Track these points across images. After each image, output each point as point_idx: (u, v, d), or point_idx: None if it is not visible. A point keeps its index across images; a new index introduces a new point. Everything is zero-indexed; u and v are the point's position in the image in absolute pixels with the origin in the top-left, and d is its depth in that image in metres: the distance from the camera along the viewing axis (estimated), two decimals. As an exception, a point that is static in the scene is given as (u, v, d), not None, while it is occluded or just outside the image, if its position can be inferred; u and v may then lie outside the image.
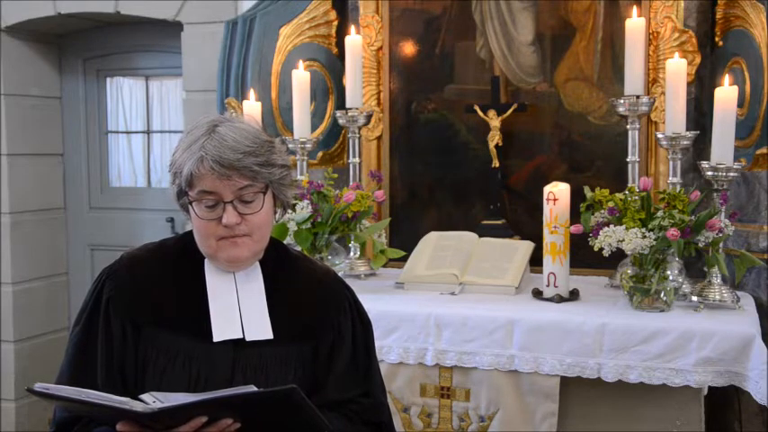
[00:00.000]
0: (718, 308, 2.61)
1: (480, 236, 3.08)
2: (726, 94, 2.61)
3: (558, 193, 2.70)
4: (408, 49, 3.40)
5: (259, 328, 1.62)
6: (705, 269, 2.65)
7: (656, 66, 3.07)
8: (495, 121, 3.17)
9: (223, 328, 1.61)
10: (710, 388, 2.50)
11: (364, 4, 3.42)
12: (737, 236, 2.84)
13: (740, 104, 2.80)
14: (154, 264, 1.67)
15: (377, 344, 1.87)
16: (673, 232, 2.43)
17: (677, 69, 2.71)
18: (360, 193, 2.95)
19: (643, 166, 3.02)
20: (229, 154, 1.52)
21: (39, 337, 4.38)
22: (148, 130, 4.50)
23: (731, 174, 2.60)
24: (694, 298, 2.64)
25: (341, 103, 3.42)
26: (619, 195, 2.57)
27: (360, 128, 3.27)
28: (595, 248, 2.54)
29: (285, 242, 2.28)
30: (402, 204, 3.43)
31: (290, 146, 3.14)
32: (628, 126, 2.88)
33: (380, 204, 3.28)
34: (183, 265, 1.66)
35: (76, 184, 4.55)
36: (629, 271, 2.63)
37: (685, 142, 2.72)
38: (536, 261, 2.89)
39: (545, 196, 2.72)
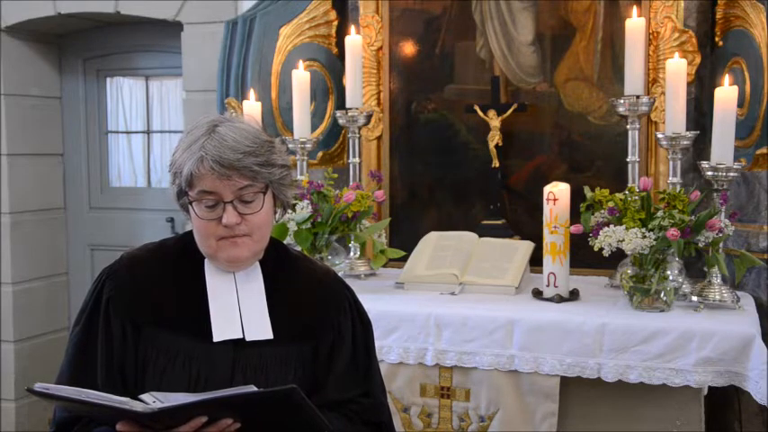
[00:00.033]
0: (718, 308, 2.61)
1: (480, 236, 3.08)
2: (726, 94, 2.61)
3: (558, 193, 2.70)
4: (408, 49, 3.40)
5: (259, 328, 1.62)
6: (705, 269, 2.65)
7: (656, 66, 3.07)
8: (495, 121, 3.17)
9: (223, 328, 1.61)
10: (710, 388, 2.50)
11: (364, 4, 3.42)
12: (737, 236, 2.84)
13: (740, 104, 2.80)
14: (154, 264, 1.67)
15: (377, 344, 1.87)
16: (673, 232, 2.43)
17: (677, 69, 2.71)
18: (360, 193, 2.95)
19: (643, 166, 3.02)
20: (229, 154, 1.52)
21: (39, 337, 4.38)
22: (148, 130, 4.50)
23: (731, 174, 2.60)
24: (694, 298, 2.64)
25: (341, 103, 3.42)
26: (619, 195, 2.57)
27: (360, 128, 3.27)
28: (595, 248, 2.54)
29: (285, 242, 2.28)
30: (402, 204, 3.43)
31: (290, 146, 3.14)
32: (628, 126, 2.88)
33: (380, 204, 3.28)
34: (183, 265, 1.66)
35: (76, 184, 4.55)
36: (629, 271, 2.63)
37: (685, 142, 2.72)
38: (536, 261, 2.89)
39: (545, 196, 2.72)
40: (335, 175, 3.07)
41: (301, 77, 3.16)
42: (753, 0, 2.88)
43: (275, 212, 1.67)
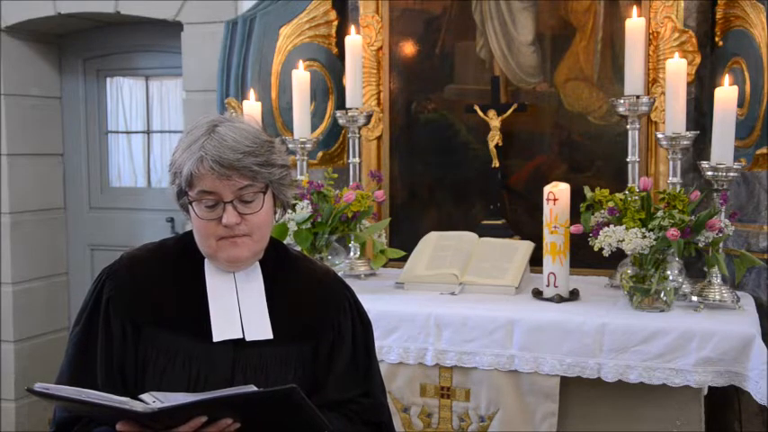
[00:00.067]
0: (718, 308, 2.61)
1: (480, 236, 3.08)
2: (726, 94, 2.61)
3: (558, 193, 2.70)
4: (408, 49, 3.40)
5: (259, 328, 1.62)
6: (705, 269, 2.65)
7: (656, 66, 3.07)
8: (495, 121, 3.17)
9: (223, 328, 1.61)
10: (710, 388, 2.50)
11: (364, 4, 3.42)
12: (737, 236, 2.84)
13: (740, 104, 2.80)
14: (154, 264, 1.67)
15: (377, 344, 1.87)
16: (673, 232, 2.43)
17: (677, 69, 2.71)
18: (360, 193, 2.95)
19: (643, 166, 3.02)
20: (229, 154, 1.52)
21: (39, 337, 4.38)
22: (148, 130, 4.50)
23: (731, 174, 2.60)
24: (694, 298, 2.64)
25: (341, 103, 3.42)
26: (619, 195, 2.57)
27: (360, 128, 3.27)
28: (595, 248, 2.54)
29: (285, 242, 2.28)
30: (402, 204, 3.43)
31: (290, 146, 3.14)
32: (628, 126, 2.88)
33: (380, 204, 3.28)
34: (183, 265, 1.66)
35: (76, 184, 4.55)
36: (629, 271, 2.63)
37: (685, 142, 2.72)
38: (536, 261, 2.89)
39: (545, 196, 2.72)
40: (335, 175, 3.07)
41: (301, 77, 3.16)
42: (753, 0, 2.88)
43: (275, 212, 1.67)
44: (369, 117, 3.27)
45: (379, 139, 3.45)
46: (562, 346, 2.49)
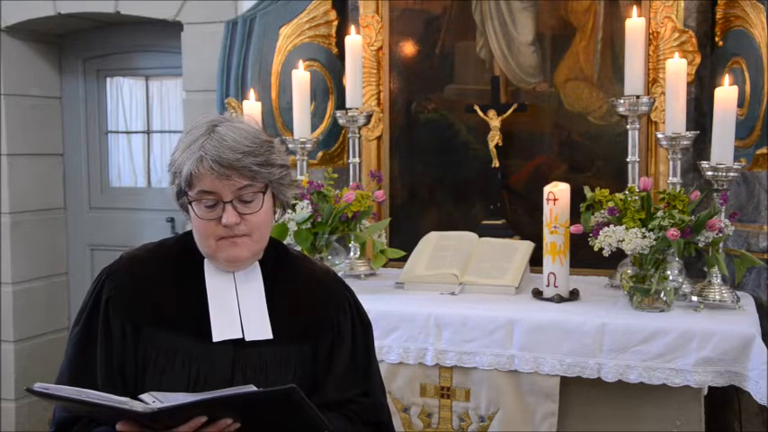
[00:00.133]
0: (718, 308, 2.61)
1: (480, 236, 3.08)
2: (726, 94, 2.61)
3: (558, 193, 2.70)
4: (408, 49, 3.40)
5: (259, 328, 1.62)
6: (705, 269, 2.65)
7: (656, 66, 3.07)
8: (495, 121, 3.17)
9: (223, 327, 1.61)
10: (710, 388, 2.50)
11: (364, 4, 3.42)
12: (737, 236, 2.84)
13: (740, 104, 2.80)
14: (153, 264, 1.67)
15: (377, 344, 1.87)
16: (673, 232, 2.43)
17: (677, 69, 2.71)
18: (360, 193, 2.95)
19: (643, 166, 3.02)
20: (229, 154, 1.52)
21: (39, 337, 4.38)
22: (148, 130, 4.50)
23: (731, 174, 2.60)
24: (694, 298, 2.64)
25: (341, 103, 3.42)
26: (619, 195, 2.57)
27: (360, 128, 3.27)
28: (595, 248, 2.54)
29: (285, 242, 2.28)
30: (402, 204, 3.43)
31: (290, 146, 3.14)
32: (628, 126, 2.88)
33: (380, 204, 3.28)
34: (183, 265, 1.66)
35: (76, 184, 4.55)
36: (629, 271, 2.63)
37: (685, 142, 2.72)
38: (536, 261, 2.88)
39: (545, 196, 2.72)
40: (335, 175, 3.06)
41: (301, 77, 3.16)
42: (753, 0, 2.88)
43: (275, 212, 1.67)
44: (369, 117, 3.27)
45: (379, 139, 3.45)
46: (562, 346, 2.49)
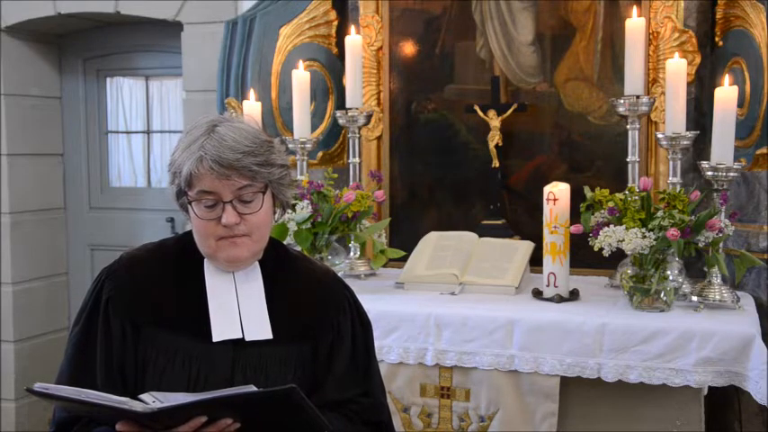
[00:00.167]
0: (718, 308, 2.61)
1: (480, 236, 3.08)
2: (726, 94, 2.61)
3: (558, 193, 2.70)
4: (408, 49, 3.40)
5: (258, 328, 1.62)
6: (705, 269, 2.65)
7: (656, 66, 3.07)
8: (495, 121, 3.17)
9: (222, 327, 1.61)
10: (710, 388, 2.50)
11: (364, 4, 3.42)
12: (737, 236, 2.84)
13: (740, 104, 2.80)
14: (153, 264, 1.67)
15: (377, 344, 1.87)
16: (673, 232, 2.43)
17: (677, 69, 2.71)
18: (360, 193, 2.95)
19: (643, 166, 3.02)
20: (228, 154, 1.52)
21: (39, 337, 4.38)
22: (148, 130, 4.50)
23: (731, 174, 2.60)
24: (694, 298, 2.64)
25: (341, 103, 3.42)
26: (619, 195, 2.57)
27: (360, 128, 3.27)
28: (595, 248, 2.54)
29: (285, 242, 2.28)
30: (402, 204, 3.43)
31: (290, 146, 3.14)
32: (628, 126, 2.88)
33: (380, 204, 3.28)
34: (183, 265, 1.66)
35: (76, 184, 4.55)
36: (629, 271, 2.63)
37: (685, 142, 2.72)
38: (536, 261, 2.88)
39: (545, 196, 2.72)
40: (335, 175, 3.06)
41: (301, 77, 3.16)
42: (753, 0, 2.88)
43: (275, 212, 1.67)
44: (369, 117, 3.27)
45: (379, 139, 3.45)
46: (562, 346, 2.49)
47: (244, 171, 1.54)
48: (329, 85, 3.54)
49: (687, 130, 2.72)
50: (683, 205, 2.52)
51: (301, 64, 3.24)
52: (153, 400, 1.43)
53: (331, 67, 3.53)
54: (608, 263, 2.84)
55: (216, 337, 1.60)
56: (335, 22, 3.53)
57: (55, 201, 4.53)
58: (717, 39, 3.07)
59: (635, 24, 2.83)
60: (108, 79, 4.50)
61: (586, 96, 3.17)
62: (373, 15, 3.41)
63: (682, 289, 2.68)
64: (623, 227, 2.49)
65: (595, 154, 3.16)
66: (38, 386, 1.40)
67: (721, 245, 2.60)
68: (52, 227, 4.50)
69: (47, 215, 4.47)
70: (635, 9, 2.90)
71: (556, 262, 2.71)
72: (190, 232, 1.65)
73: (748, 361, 2.34)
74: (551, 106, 3.21)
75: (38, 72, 4.39)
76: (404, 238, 3.27)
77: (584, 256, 2.82)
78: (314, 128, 3.38)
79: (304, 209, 2.83)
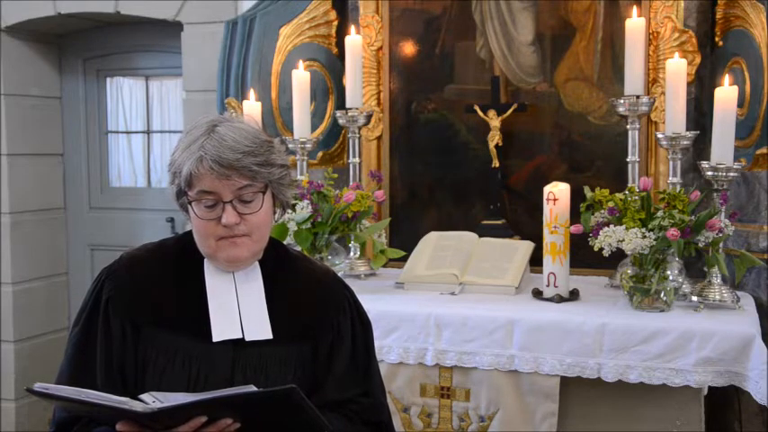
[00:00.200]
0: (718, 308, 2.61)
1: (480, 236, 3.08)
2: (726, 94, 2.61)
3: (558, 193, 2.70)
4: (408, 49, 3.40)
5: (258, 328, 1.62)
6: (705, 269, 2.65)
7: (656, 66, 3.07)
8: (495, 121, 3.17)
9: (222, 327, 1.61)
10: (710, 388, 2.50)
11: (364, 4, 3.42)
12: (737, 236, 2.84)
13: (740, 104, 2.80)
14: (153, 264, 1.67)
15: (377, 344, 1.87)
16: (673, 232, 2.43)
17: (677, 69, 2.71)
18: (360, 193, 2.95)
19: (643, 166, 3.02)
20: (228, 154, 1.52)
21: (39, 337, 4.38)
22: (148, 130, 4.50)
23: (731, 174, 2.60)
24: (694, 298, 2.64)
25: (341, 103, 3.42)
26: (619, 195, 2.57)
27: (360, 128, 3.27)
28: (595, 248, 2.54)
29: (285, 242, 2.27)
30: (402, 204, 3.43)
31: (290, 146, 3.14)
32: (628, 126, 2.88)
33: (380, 204, 3.28)
34: (183, 265, 1.66)
35: (76, 184, 4.55)
36: (629, 271, 2.63)
37: (685, 142, 2.72)
38: (536, 261, 2.88)
39: (545, 196, 2.72)
40: (335, 175, 3.06)
41: (301, 77, 3.16)
42: (753, 0, 2.88)
43: (275, 212, 1.67)
44: (369, 117, 3.27)
45: (379, 139, 3.45)
46: (562, 346, 2.49)
47: (244, 171, 1.54)
48: (329, 85, 3.54)
49: (687, 130, 2.72)
50: (683, 205, 2.52)
51: (301, 64, 3.24)
52: (153, 400, 1.43)
53: (331, 67, 3.53)
54: (608, 263, 2.84)
55: (216, 337, 1.60)
56: (335, 22, 3.53)
57: (55, 201, 4.53)
58: (717, 39, 3.07)
59: (635, 24, 2.83)
60: (108, 79, 4.51)
61: (586, 96, 3.17)
62: (373, 15, 3.41)
63: (682, 289, 2.68)
64: (623, 227, 2.49)
65: (595, 154, 3.16)
66: (38, 386, 1.40)
67: (721, 245, 2.60)
68: (52, 227, 4.50)
69: (47, 215, 4.47)
70: (635, 9, 2.90)
71: (556, 262, 2.71)
72: (190, 232, 1.65)
73: (748, 361, 2.34)
74: (551, 106, 3.21)
75: (38, 72, 4.39)
76: (404, 238, 3.27)
77: (584, 256, 2.82)
78: (314, 128, 3.38)
79: (304, 209, 2.83)
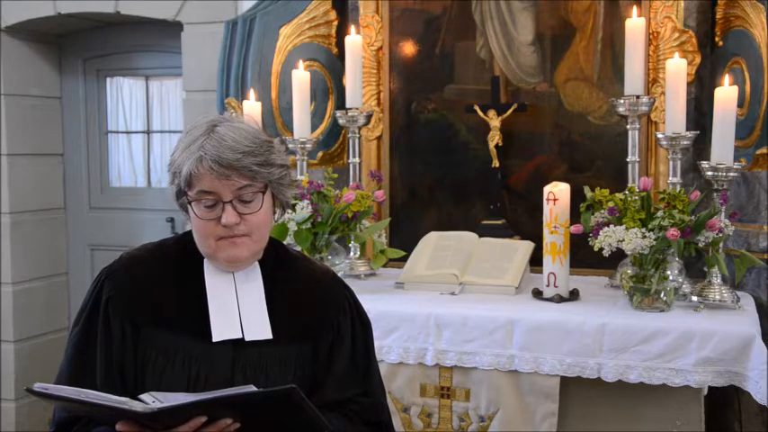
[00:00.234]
0: (718, 308, 2.61)
1: (480, 236, 3.08)
2: (726, 94, 2.61)
3: (558, 193, 2.70)
4: (408, 49, 3.40)
5: (258, 327, 1.62)
6: (705, 269, 2.65)
7: (656, 66, 3.07)
8: (495, 121, 3.17)
9: (222, 327, 1.61)
10: (710, 388, 2.50)
11: (364, 4, 3.42)
12: (737, 236, 2.84)
13: (740, 104, 2.80)
14: (153, 264, 1.67)
15: (377, 344, 1.87)
16: (673, 232, 2.43)
17: (677, 69, 2.71)
18: (360, 193, 2.95)
19: (643, 166, 3.02)
20: (228, 154, 1.52)
21: (39, 337, 4.38)
22: (148, 130, 4.50)
23: (731, 174, 2.60)
24: (694, 298, 2.64)
25: (341, 103, 3.42)
26: (619, 195, 2.57)
27: (360, 128, 3.27)
28: (595, 248, 2.54)
29: (285, 242, 2.27)
30: (402, 204, 3.43)
31: (290, 146, 3.14)
32: (628, 126, 2.88)
33: (380, 204, 3.28)
34: (183, 265, 1.66)
35: (76, 184, 4.55)
36: (629, 271, 2.63)
37: (685, 142, 2.72)
38: (536, 261, 2.88)
39: (545, 196, 2.72)
40: (335, 175, 3.06)
41: (301, 77, 3.16)
42: (753, 0, 2.88)
43: (274, 212, 1.67)
44: (369, 117, 3.27)
45: (379, 139, 3.45)
46: (562, 346, 2.49)
47: (244, 171, 1.54)
48: (329, 85, 3.54)
49: (687, 130, 2.72)
50: (683, 205, 2.52)
51: (301, 64, 3.24)
52: (153, 400, 1.43)
53: (331, 67, 3.53)
54: (608, 263, 2.84)
55: (216, 337, 1.60)
56: (335, 22, 3.53)
57: (55, 201, 4.53)
58: (717, 39, 3.07)
59: (635, 24, 2.83)
60: (108, 79, 4.51)
61: (586, 96, 3.17)
62: (373, 15, 3.41)
63: (682, 289, 2.68)
64: (623, 227, 2.49)
65: (595, 154, 3.16)
66: (38, 386, 1.40)
67: (721, 245, 2.60)
68: (52, 227, 4.50)
69: (47, 215, 4.47)
70: (635, 9, 2.90)
71: (556, 262, 2.71)
72: (190, 232, 1.65)
73: (748, 361, 2.34)
74: (551, 106, 3.21)
75: (38, 72, 4.39)
76: (404, 238, 3.27)
77: (584, 256, 2.82)
78: (314, 128, 3.38)
79: (304, 209, 2.83)
